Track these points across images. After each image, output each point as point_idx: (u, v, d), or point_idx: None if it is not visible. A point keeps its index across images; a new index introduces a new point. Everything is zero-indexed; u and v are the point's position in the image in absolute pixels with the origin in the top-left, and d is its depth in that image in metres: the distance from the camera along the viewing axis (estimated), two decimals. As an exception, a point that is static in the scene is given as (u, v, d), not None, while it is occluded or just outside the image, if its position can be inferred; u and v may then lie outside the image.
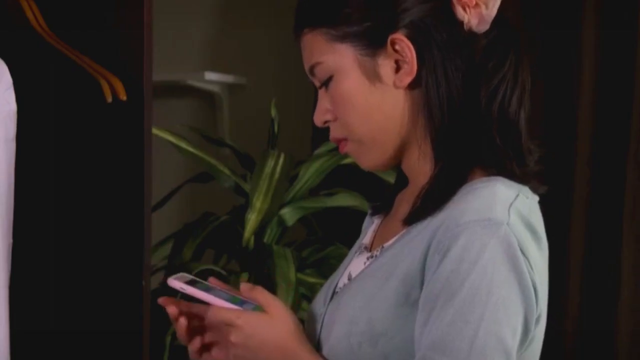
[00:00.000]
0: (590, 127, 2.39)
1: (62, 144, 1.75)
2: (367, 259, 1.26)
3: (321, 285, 2.38)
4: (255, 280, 2.33)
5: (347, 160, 2.34)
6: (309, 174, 2.42)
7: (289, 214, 2.43)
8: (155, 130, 2.05)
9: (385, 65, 1.20)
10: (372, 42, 1.20)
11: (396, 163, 1.27)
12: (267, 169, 2.34)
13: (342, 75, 1.21)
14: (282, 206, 2.41)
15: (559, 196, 2.40)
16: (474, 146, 1.20)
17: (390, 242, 1.23)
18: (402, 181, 1.31)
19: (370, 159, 1.26)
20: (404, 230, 1.21)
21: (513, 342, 1.10)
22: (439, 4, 1.20)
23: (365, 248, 1.31)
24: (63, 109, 1.75)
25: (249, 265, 2.39)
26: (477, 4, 1.19)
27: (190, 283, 1.22)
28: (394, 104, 1.21)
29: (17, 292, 1.62)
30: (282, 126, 2.49)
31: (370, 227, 1.35)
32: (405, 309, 1.15)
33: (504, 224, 1.12)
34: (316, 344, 1.25)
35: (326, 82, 1.23)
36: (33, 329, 1.72)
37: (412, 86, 1.20)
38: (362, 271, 1.24)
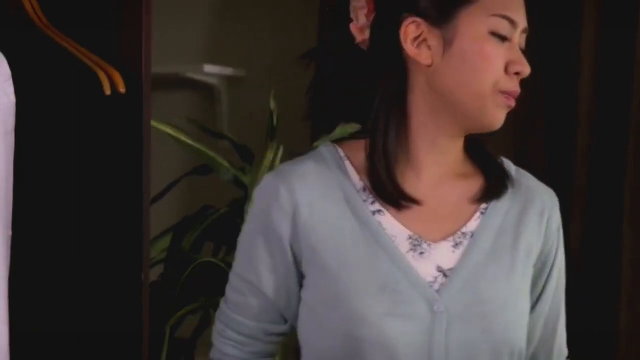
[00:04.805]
0: (590, 123, 2.39)
1: (60, 136, 1.75)
2: (454, 247, 1.28)
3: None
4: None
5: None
6: (308, 166, 2.41)
7: (288, 207, 2.43)
8: (154, 123, 2.05)
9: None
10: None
11: None
12: (267, 162, 2.34)
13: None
14: (281, 199, 2.40)
15: (558, 192, 2.39)
16: None
17: (476, 224, 1.30)
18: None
19: None
20: (480, 210, 1.31)
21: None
22: None
23: (417, 239, 1.28)
24: (62, 101, 1.75)
25: (248, 257, 2.39)
26: None
27: None
28: None
29: (16, 286, 1.62)
30: (281, 118, 2.48)
31: (380, 217, 1.29)
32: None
33: None
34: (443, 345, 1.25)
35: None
36: (32, 318, 1.72)
37: None
38: (469, 260, 1.27)
